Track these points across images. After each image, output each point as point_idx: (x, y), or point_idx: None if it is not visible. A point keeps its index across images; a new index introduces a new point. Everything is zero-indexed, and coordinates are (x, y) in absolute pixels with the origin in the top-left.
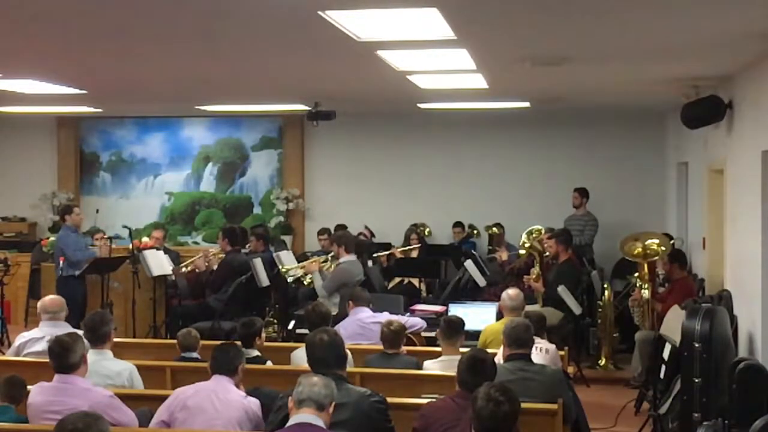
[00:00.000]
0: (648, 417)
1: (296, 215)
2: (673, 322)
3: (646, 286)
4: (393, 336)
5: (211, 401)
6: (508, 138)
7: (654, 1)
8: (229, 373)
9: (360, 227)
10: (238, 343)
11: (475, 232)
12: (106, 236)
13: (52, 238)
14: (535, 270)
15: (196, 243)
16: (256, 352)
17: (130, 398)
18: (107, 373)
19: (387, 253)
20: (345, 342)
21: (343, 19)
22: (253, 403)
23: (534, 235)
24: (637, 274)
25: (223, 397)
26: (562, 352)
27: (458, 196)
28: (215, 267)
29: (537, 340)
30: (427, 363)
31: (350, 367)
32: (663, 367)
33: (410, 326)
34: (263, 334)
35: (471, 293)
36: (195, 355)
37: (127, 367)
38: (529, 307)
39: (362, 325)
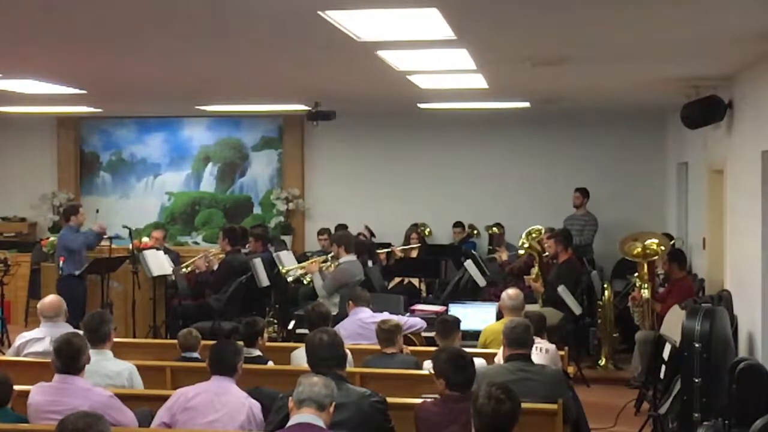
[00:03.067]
0: (648, 417)
1: (296, 215)
2: (673, 322)
3: (646, 285)
4: (388, 334)
5: (212, 404)
6: (508, 138)
7: (654, 2)
8: (229, 373)
9: (360, 227)
10: (240, 343)
11: (475, 232)
12: (106, 236)
13: (52, 238)
14: (535, 270)
15: (196, 243)
16: (257, 352)
17: (130, 398)
18: (107, 373)
19: (387, 250)
20: (345, 342)
21: (343, 19)
22: (255, 405)
23: (533, 236)
24: (636, 274)
25: (225, 399)
26: (562, 352)
27: (458, 196)
28: (215, 267)
29: (537, 340)
30: (427, 363)
31: (350, 367)
32: (663, 367)
33: (410, 326)
34: (265, 335)
35: (471, 293)
36: (195, 355)
37: (127, 367)
38: (529, 307)
39: (362, 325)
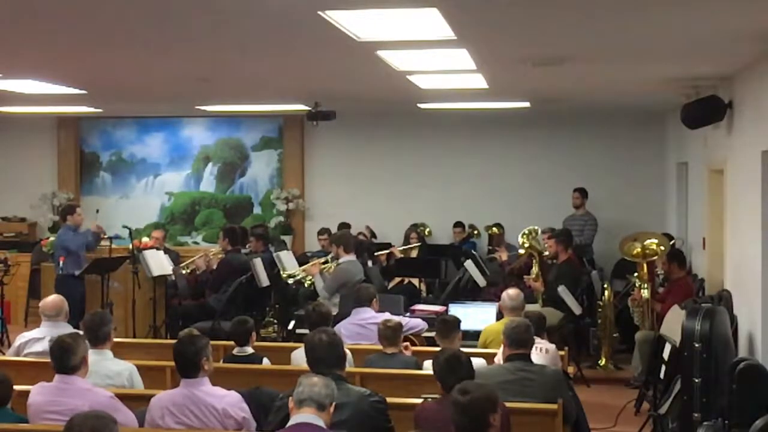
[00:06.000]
0: (648, 417)
1: (296, 215)
2: (673, 322)
3: (646, 285)
4: (391, 333)
5: (187, 416)
6: (508, 138)
7: (654, 2)
8: (194, 373)
9: (360, 227)
10: (206, 339)
11: (475, 232)
12: (106, 236)
13: (52, 238)
14: (535, 270)
15: (196, 243)
16: (250, 350)
17: (130, 398)
18: (107, 373)
19: (386, 252)
20: (345, 342)
21: (343, 19)
22: (230, 403)
23: (532, 235)
24: (636, 274)
25: (197, 407)
26: (562, 352)
27: (458, 196)
28: (215, 267)
29: (537, 340)
30: (427, 363)
31: (350, 367)
32: (663, 367)
33: (411, 327)
34: (254, 334)
35: (471, 293)
36: None
37: (127, 367)
38: (529, 307)
39: (362, 325)
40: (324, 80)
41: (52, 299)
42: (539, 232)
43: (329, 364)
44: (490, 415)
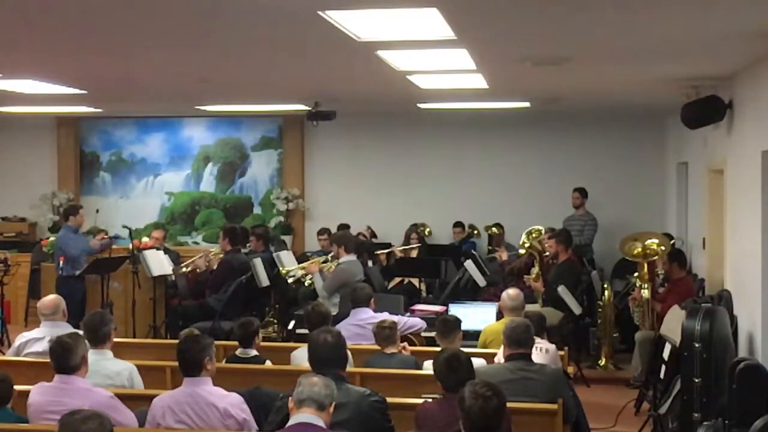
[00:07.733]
0: (648, 417)
1: (296, 215)
2: (673, 322)
3: (646, 286)
4: (389, 333)
5: (188, 415)
6: (508, 138)
7: (654, 2)
8: (197, 372)
9: (360, 227)
10: (210, 339)
11: (475, 232)
12: (107, 236)
13: (52, 238)
14: (535, 270)
15: (196, 243)
16: (254, 352)
17: (130, 398)
18: (107, 373)
19: (387, 251)
20: None
21: (343, 19)
22: (232, 404)
23: (534, 235)
24: (636, 274)
25: (199, 406)
26: (562, 352)
27: (458, 196)
28: (215, 267)
29: (537, 340)
30: (427, 363)
31: (350, 367)
32: (663, 367)
33: (410, 326)
34: (260, 334)
35: (471, 293)
36: None
37: (127, 367)
38: (529, 307)
39: (361, 326)
40: (324, 80)
41: (48, 298)
42: (542, 232)
43: (331, 364)
44: (504, 419)
